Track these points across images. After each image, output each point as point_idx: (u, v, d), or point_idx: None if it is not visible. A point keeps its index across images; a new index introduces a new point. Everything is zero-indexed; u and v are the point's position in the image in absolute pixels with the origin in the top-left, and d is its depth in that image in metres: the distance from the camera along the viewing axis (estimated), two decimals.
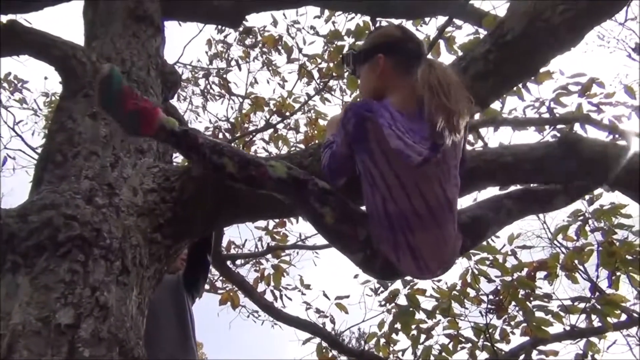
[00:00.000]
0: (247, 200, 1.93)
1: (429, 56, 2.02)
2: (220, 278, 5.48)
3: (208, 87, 6.54)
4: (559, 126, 3.85)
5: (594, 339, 4.09)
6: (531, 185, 1.92)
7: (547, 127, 4.05)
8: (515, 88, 3.91)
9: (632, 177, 1.80)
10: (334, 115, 2.11)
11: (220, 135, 5.44)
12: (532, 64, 1.70)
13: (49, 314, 1.37)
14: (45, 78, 6.36)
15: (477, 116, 3.84)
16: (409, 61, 1.69)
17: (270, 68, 6.14)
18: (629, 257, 3.57)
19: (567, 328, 4.00)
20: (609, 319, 3.66)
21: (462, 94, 1.58)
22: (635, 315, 4.12)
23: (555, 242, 5.70)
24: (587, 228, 3.69)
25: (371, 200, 1.62)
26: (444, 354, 4.03)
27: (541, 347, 3.76)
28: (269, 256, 5.39)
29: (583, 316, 3.91)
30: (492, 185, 2.02)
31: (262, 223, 5.39)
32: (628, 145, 1.87)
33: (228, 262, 4.74)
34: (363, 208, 1.72)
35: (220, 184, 1.83)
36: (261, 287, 5.22)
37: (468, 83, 1.70)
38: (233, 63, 6.08)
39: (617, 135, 3.13)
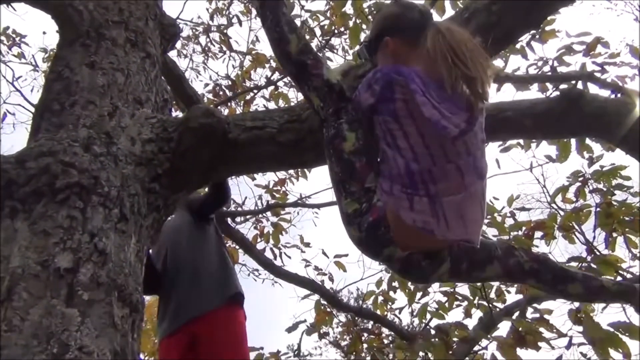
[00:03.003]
0: (246, 151, 1.93)
1: (435, 17, 1.97)
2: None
3: (209, 44, 6.47)
4: (562, 85, 3.82)
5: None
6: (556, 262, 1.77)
7: (550, 86, 4.02)
8: (519, 46, 3.87)
9: (636, 135, 1.79)
10: (335, 67, 2.09)
11: (221, 93, 5.40)
12: (536, 15, 1.67)
13: (48, 258, 1.38)
14: (44, 33, 6.27)
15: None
16: (416, 32, 1.63)
17: None
18: (627, 219, 3.59)
19: None
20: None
21: (478, 54, 1.52)
22: (630, 276, 4.16)
23: (554, 205, 5.72)
24: (586, 189, 3.70)
25: (391, 159, 1.56)
26: (440, 311, 4.10)
27: (535, 305, 3.81)
28: (268, 214, 5.42)
29: None
30: (493, 140, 2.01)
31: (262, 181, 5.42)
32: (633, 104, 1.86)
33: (228, 219, 4.77)
34: None
35: (217, 134, 1.83)
36: (261, 245, 5.29)
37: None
38: (234, 19, 5.99)
39: (620, 94, 3.10)
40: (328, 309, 5.16)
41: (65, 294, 1.36)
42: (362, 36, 3.98)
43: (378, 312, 5.12)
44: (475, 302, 3.88)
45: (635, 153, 1.74)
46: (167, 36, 2.57)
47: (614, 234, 3.73)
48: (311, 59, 1.79)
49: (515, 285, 3.69)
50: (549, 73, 4.05)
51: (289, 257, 5.29)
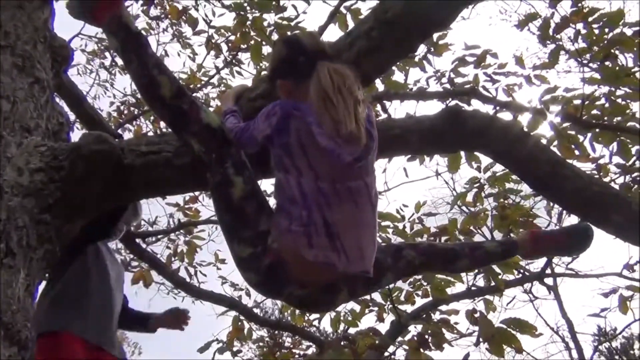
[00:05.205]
0: (142, 177, 1.92)
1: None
2: (133, 257, 5.38)
3: (114, 59, 6.30)
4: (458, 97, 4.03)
5: (495, 299, 4.38)
6: (438, 242, 1.90)
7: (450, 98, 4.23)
8: (417, 60, 4.06)
9: (513, 150, 1.94)
10: (229, 90, 2.12)
11: (126, 111, 5.28)
12: (410, 41, 1.78)
13: None
14: None
15: (381, 88, 3.96)
16: (305, 73, 1.64)
17: (180, 40, 5.98)
18: (521, 220, 3.83)
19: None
20: (504, 277, 3.93)
21: (349, 97, 1.56)
22: (527, 273, 4.46)
23: (464, 208, 6.01)
24: (483, 194, 3.92)
25: (285, 184, 1.59)
26: (353, 319, 4.20)
27: (441, 308, 3.99)
28: (183, 232, 5.33)
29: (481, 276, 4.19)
30: (384, 157, 2.11)
31: (173, 199, 5.32)
32: (513, 119, 2.02)
33: (138, 240, 4.65)
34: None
35: (111, 161, 1.81)
36: (176, 264, 5.19)
37: (354, 59, 1.76)
38: None
39: (503, 108, 3.32)
40: (247, 325, 5.14)
41: None
42: (265, 51, 4.03)
43: (297, 323, 5.16)
44: (386, 307, 4.00)
45: (510, 165, 1.88)
46: (59, 58, 2.50)
47: (511, 235, 3.97)
48: (187, 103, 1.70)
49: (421, 289, 3.86)
50: (447, 84, 4.27)
51: (205, 275, 5.23)
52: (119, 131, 4.78)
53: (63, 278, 2.35)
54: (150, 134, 5.35)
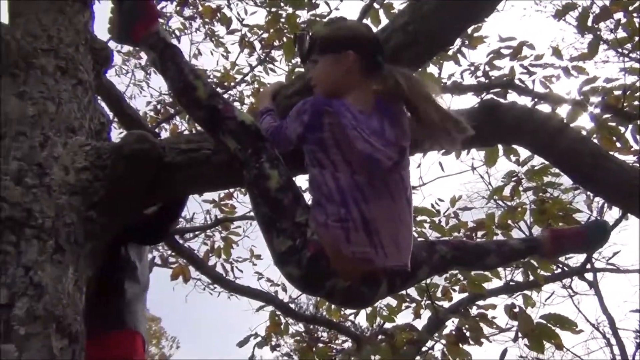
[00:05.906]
0: (182, 174, 1.96)
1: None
2: (172, 253, 5.49)
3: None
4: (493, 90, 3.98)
5: (534, 294, 4.33)
6: (468, 240, 1.96)
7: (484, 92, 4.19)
8: (451, 53, 4.03)
9: (553, 143, 1.91)
10: (266, 88, 2.14)
11: (162, 110, 5.37)
12: (446, 35, 1.77)
13: None
14: None
15: None
16: (373, 65, 1.70)
17: (213, 39, 6.06)
18: (560, 214, 3.77)
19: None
20: (542, 272, 3.87)
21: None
22: (566, 268, 4.38)
23: (500, 202, 5.93)
24: (520, 188, 3.87)
25: (320, 180, 1.60)
26: (390, 314, 4.19)
27: (478, 303, 3.95)
28: (219, 228, 5.42)
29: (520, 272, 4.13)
30: (416, 152, 2.10)
31: (209, 196, 5.40)
32: (551, 111, 1.99)
33: (176, 236, 4.75)
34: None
35: (152, 159, 1.85)
36: (213, 260, 5.28)
37: (390, 53, 1.76)
38: (173, 34, 5.96)
39: (541, 100, 3.27)
40: (283, 319, 5.19)
41: (1, 329, 1.36)
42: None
43: (333, 318, 5.19)
44: (423, 303, 3.99)
45: (550, 158, 1.86)
46: (100, 60, 2.56)
47: None
48: (221, 103, 1.76)
49: (458, 285, 3.83)
50: (482, 77, 4.23)
51: (241, 271, 5.30)
52: (156, 130, 4.89)
53: (129, 278, 2.41)
54: (186, 132, 5.44)
